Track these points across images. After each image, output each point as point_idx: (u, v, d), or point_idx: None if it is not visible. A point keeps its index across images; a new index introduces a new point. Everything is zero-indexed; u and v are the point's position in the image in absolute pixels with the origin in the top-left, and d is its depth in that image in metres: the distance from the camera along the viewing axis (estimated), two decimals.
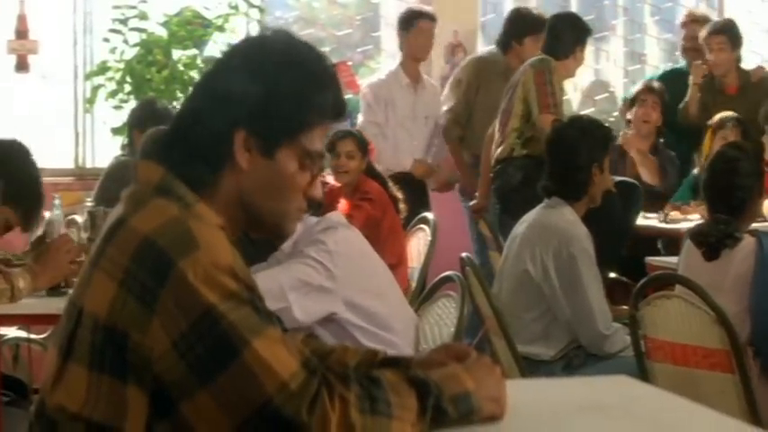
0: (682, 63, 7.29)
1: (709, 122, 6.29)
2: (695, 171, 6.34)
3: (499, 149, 5.95)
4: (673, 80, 6.90)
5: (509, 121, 5.93)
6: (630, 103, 6.68)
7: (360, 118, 6.69)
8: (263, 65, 1.80)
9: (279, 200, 1.82)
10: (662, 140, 6.59)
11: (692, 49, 6.98)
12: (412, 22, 6.71)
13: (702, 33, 6.80)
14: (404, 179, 6.42)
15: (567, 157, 4.27)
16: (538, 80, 5.84)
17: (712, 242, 3.96)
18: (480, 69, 6.72)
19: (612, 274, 5.49)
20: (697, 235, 4.04)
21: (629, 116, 6.64)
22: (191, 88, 7.16)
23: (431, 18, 6.75)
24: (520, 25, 6.59)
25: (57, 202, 4.25)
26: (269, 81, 1.78)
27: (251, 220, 1.83)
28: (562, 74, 5.95)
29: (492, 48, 6.91)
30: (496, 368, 1.94)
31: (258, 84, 1.78)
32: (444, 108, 6.78)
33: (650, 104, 6.54)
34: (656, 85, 6.69)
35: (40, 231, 4.14)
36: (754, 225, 4.25)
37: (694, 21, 7.14)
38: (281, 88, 1.79)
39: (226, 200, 1.79)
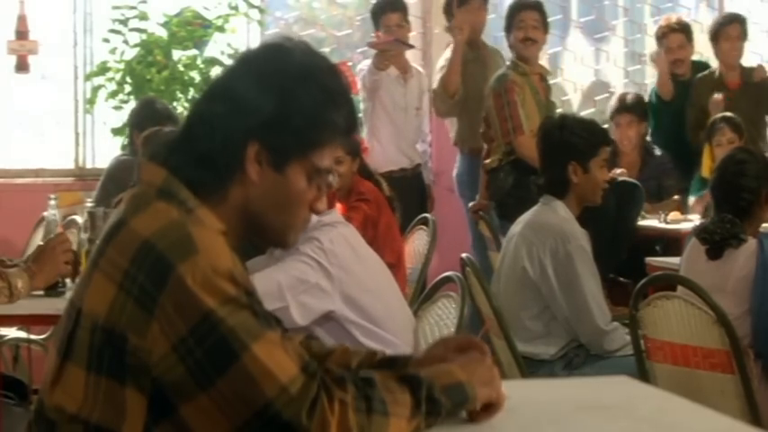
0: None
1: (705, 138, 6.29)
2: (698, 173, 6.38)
3: (488, 161, 6.00)
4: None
5: (494, 136, 5.95)
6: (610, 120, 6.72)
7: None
8: (281, 78, 1.79)
9: (285, 213, 1.82)
10: (649, 138, 6.67)
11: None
12: (378, 18, 6.66)
13: (713, 25, 6.86)
14: (403, 179, 6.41)
15: (544, 154, 4.30)
16: (496, 105, 5.89)
17: (717, 240, 3.95)
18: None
19: (611, 275, 5.50)
20: (702, 232, 4.04)
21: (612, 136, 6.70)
22: (191, 89, 7.10)
23: (397, 8, 6.65)
24: None
25: (52, 202, 4.24)
26: (287, 96, 1.77)
27: (255, 230, 1.83)
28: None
29: None
30: (486, 357, 1.96)
31: (276, 98, 1.77)
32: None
33: (624, 125, 6.60)
34: (628, 100, 6.70)
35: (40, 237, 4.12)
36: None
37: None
38: (298, 105, 1.78)
39: (231, 208, 1.78)
